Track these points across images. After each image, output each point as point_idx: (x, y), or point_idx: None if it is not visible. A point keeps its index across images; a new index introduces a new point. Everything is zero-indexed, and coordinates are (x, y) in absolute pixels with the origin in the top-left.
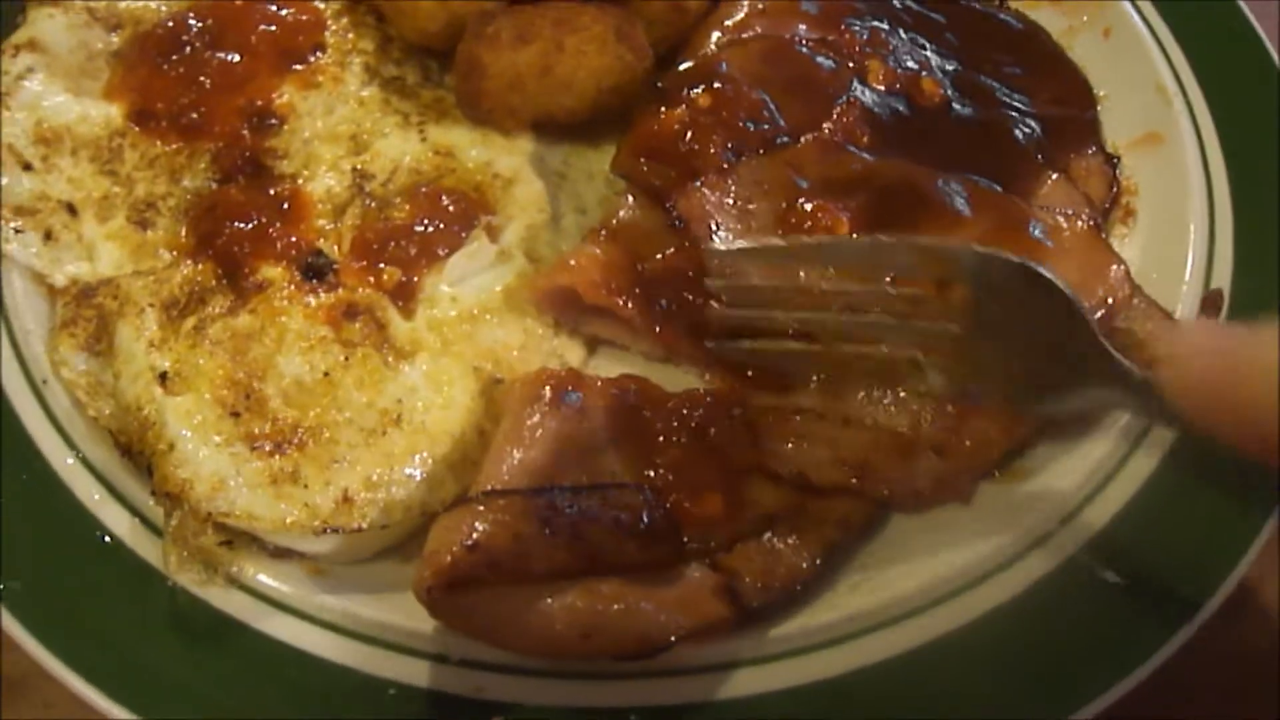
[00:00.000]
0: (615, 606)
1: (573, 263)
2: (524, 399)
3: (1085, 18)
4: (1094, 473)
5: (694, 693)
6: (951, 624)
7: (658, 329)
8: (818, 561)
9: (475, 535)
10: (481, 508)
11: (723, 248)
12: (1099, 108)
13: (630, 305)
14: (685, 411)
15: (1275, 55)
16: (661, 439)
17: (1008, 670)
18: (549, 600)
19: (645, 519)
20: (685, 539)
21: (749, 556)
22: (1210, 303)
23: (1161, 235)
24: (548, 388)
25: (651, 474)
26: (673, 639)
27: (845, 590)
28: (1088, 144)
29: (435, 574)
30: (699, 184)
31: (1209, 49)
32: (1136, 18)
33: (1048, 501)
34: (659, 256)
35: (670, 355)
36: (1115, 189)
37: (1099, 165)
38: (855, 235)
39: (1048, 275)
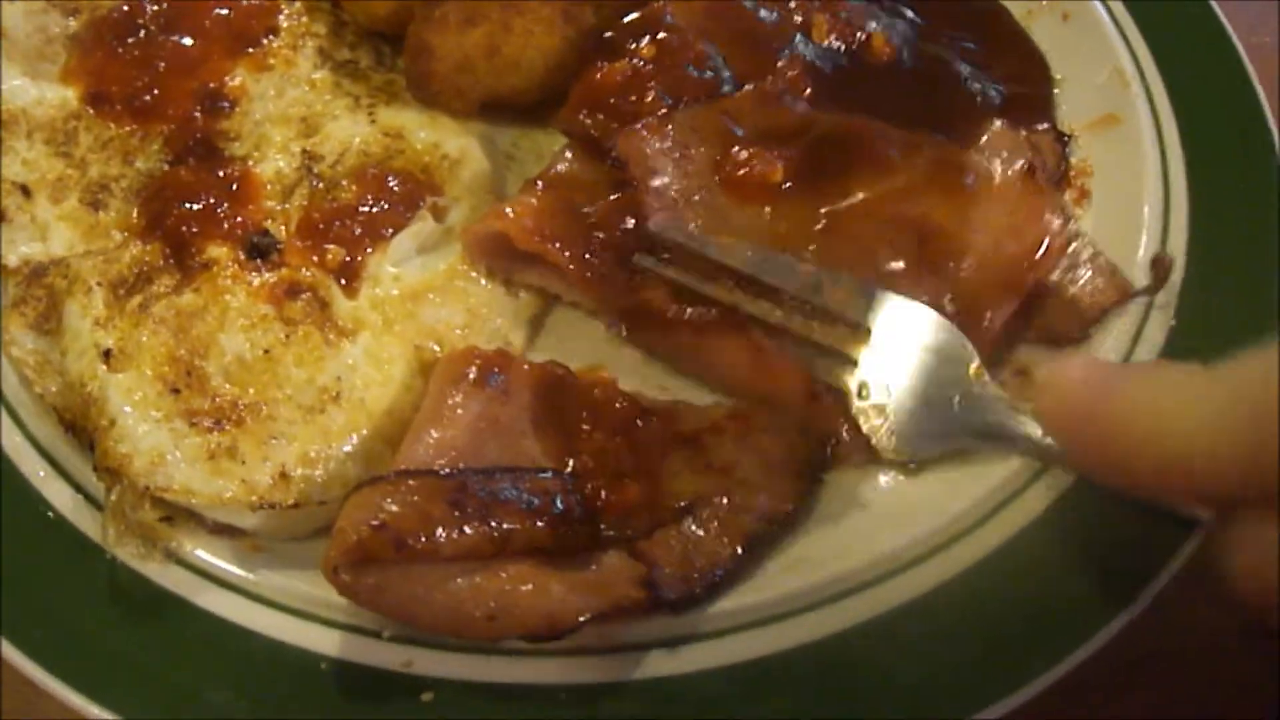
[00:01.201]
0: (523, 588)
1: (508, 210)
2: (448, 377)
3: (1044, 3)
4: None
5: (626, 670)
6: (889, 602)
7: (589, 276)
8: (739, 550)
9: (383, 514)
10: (392, 486)
11: (660, 230)
12: (1056, 90)
13: (563, 251)
14: (611, 402)
15: (1234, 38)
16: (585, 427)
17: (943, 650)
18: (457, 580)
19: (559, 504)
20: (603, 526)
21: (668, 544)
22: (1159, 264)
23: (1116, 215)
24: (473, 367)
25: (571, 461)
26: (581, 620)
27: (779, 570)
28: (1040, 120)
29: (342, 552)
30: (639, 126)
31: (1167, 32)
32: (1096, 2)
33: (987, 483)
34: (596, 206)
35: (600, 306)
36: (1064, 165)
37: (1050, 142)
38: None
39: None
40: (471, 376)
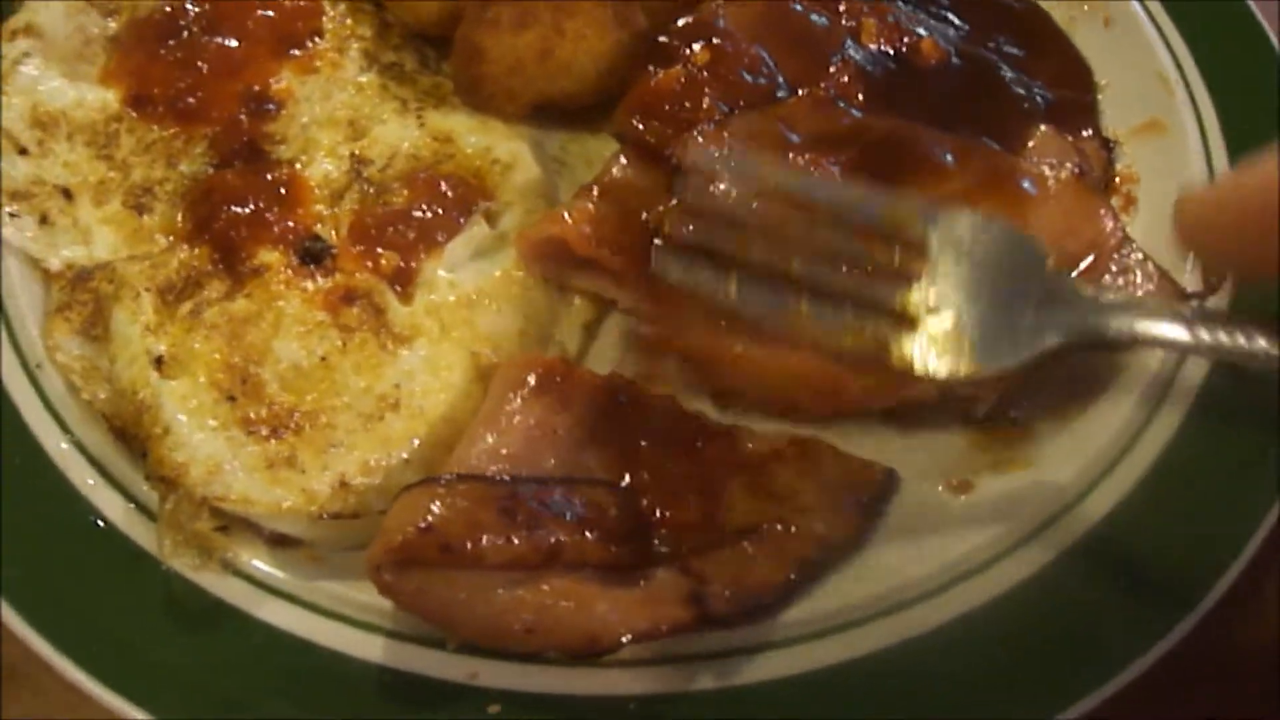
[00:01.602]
0: (565, 604)
1: (565, 215)
2: (507, 383)
3: (1086, 7)
4: (1093, 464)
5: (695, 680)
6: (948, 614)
7: (645, 283)
8: (791, 576)
9: (431, 516)
10: (443, 489)
11: (701, 146)
12: (1100, 95)
13: (618, 258)
14: (673, 419)
15: (1276, 42)
16: (644, 443)
17: (1005, 661)
18: (499, 590)
19: (612, 519)
20: (655, 542)
21: (721, 563)
22: (1208, 283)
23: (1163, 222)
24: (533, 375)
25: (628, 475)
26: (623, 640)
27: (850, 579)
28: (1084, 126)
29: (386, 551)
30: (696, 134)
31: (1210, 37)
32: (1137, 6)
33: (1046, 492)
34: (656, 209)
35: (656, 314)
36: (1110, 172)
37: (1094, 148)
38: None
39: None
40: (531, 383)
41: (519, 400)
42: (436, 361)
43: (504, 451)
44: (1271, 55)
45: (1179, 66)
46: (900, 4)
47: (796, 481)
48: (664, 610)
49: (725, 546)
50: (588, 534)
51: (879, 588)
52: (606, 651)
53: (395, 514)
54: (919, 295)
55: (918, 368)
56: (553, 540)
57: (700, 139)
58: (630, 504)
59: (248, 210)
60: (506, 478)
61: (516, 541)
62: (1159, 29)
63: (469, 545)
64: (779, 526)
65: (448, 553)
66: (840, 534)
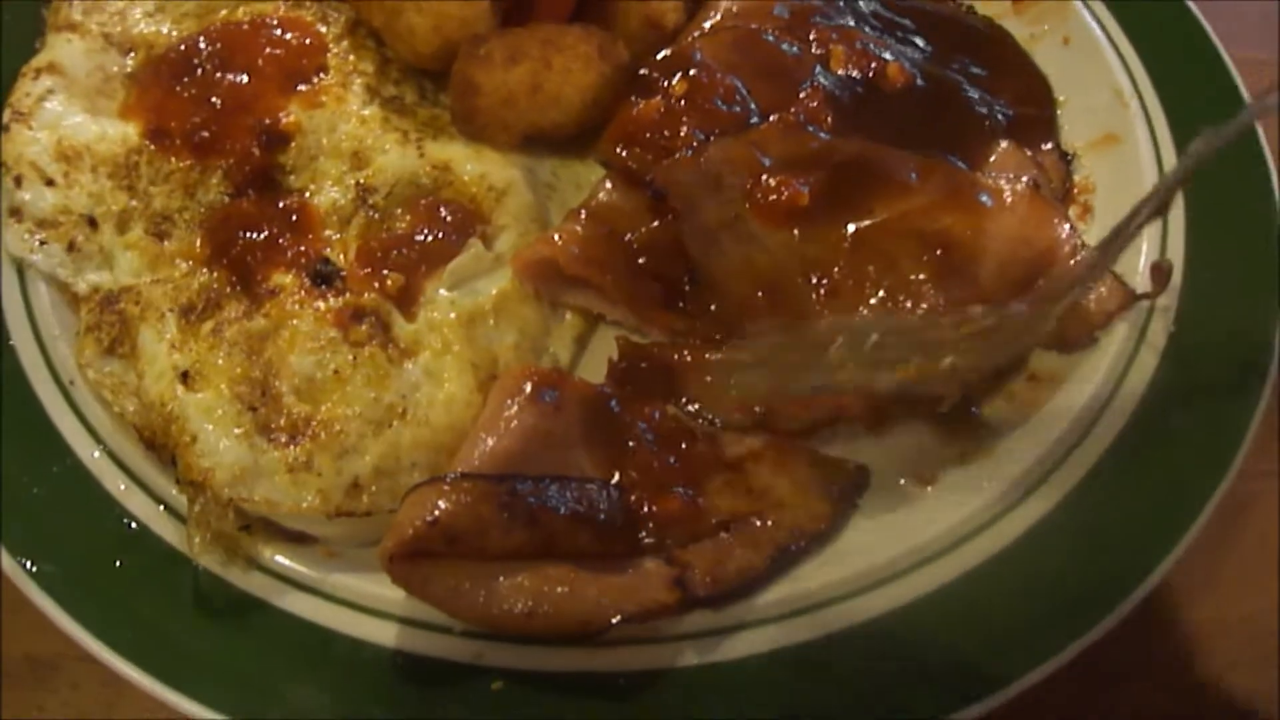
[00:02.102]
0: (560, 589)
1: (555, 237)
2: (505, 391)
3: (1046, 26)
4: (1048, 454)
5: (679, 658)
6: (910, 595)
7: (631, 298)
8: (768, 562)
9: (437, 512)
10: (448, 487)
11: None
12: (1059, 111)
13: (606, 276)
14: (659, 423)
15: (1225, 56)
16: (632, 444)
17: (958, 639)
18: (500, 578)
19: (602, 512)
20: (642, 534)
21: (702, 552)
22: (1158, 271)
23: None
24: (529, 383)
25: (618, 474)
26: (613, 621)
27: (821, 564)
28: (1044, 141)
29: (397, 543)
30: (675, 160)
31: (1163, 53)
32: (1094, 25)
33: (1004, 482)
34: (640, 231)
35: (642, 324)
36: (1069, 183)
37: (1054, 161)
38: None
39: None
40: (527, 391)
41: (516, 406)
42: (439, 374)
43: (502, 453)
44: (1220, 67)
45: (1133, 81)
46: (868, 29)
47: (773, 479)
48: (650, 594)
49: (707, 537)
50: (580, 527)
51: (846, 571)
52: (599, 632)
53: (405, 510)
54: None
55: None
56: (548, 532)
57: (680, 166)
58: (619, 500)
59: (262, 236)
60: (505, 476)
61: (515, 534)
62: (1115, 46)
63: (472, 537)
64: (756, 520)
65: (453, 544)
66: (813, 525)
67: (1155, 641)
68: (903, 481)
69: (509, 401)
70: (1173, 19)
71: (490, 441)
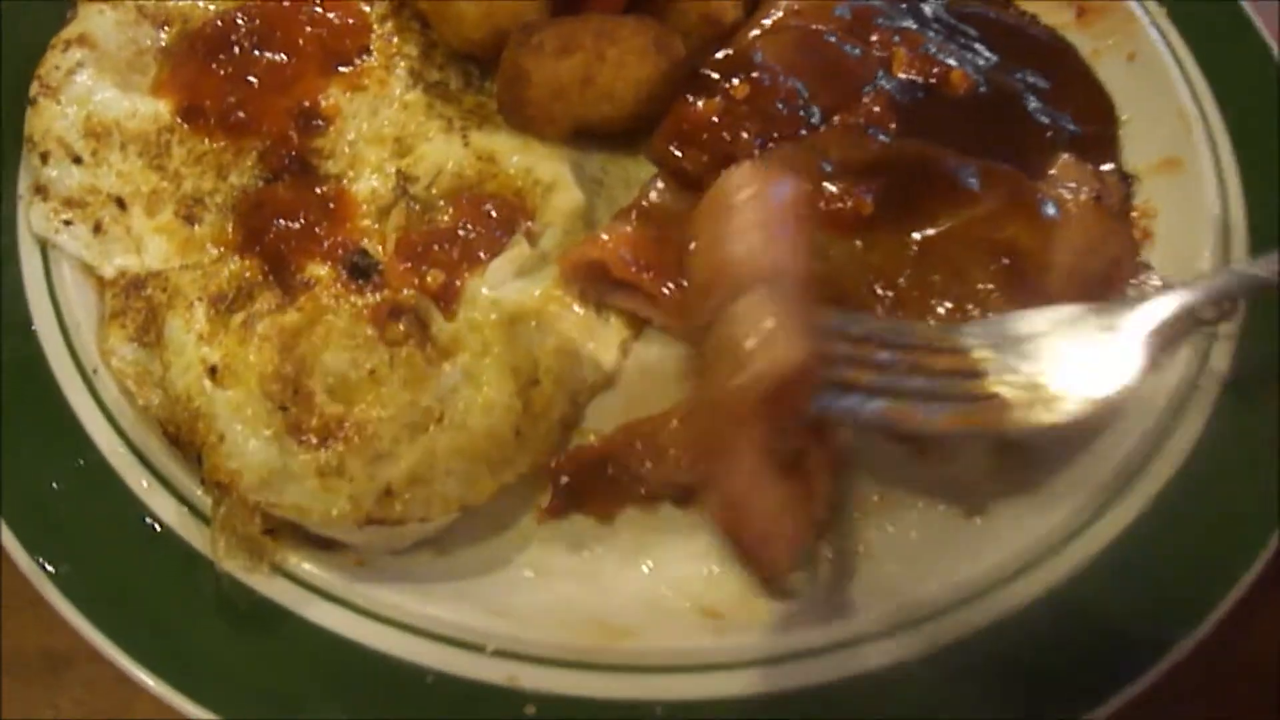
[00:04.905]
0: None
1: (604, 238)
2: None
3: (1110, 41)
4: (1100, 492)
5: (719, 688)
6: (954, 634)
7: (681, 305)
8: None
9: None
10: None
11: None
12: (1121, 130)
13: (656, 281)
14: None
15: None
16: None
17: (1009, 675)
18: None
19: None
20: None
21: None
22: (1221, 311)
23: (1177, 259)
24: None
25: None
26: None
27: (862, 595)
28: (1105, 160)
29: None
30: (736, 167)
31: (1231, 76)
32: (1161, 43)
33: (1054, 518)
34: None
35: (689, 332)
36: (1128, 205)
37: (1115, 181)
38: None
39: None
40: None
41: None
42: (478, 376)
43: None
44: None
45: (1199, 104)
46: (931, 34)
47: None
48: None
49: None
50: None
51: (889, 605)
52: None
53: None
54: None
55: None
56: None
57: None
58: None
59: (297, 225)
60: None
61: None
62: (1180, 66)
63: None
64: None
65: None
66: None
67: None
68: (952, 510)
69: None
70: (1242, 40)
71: None
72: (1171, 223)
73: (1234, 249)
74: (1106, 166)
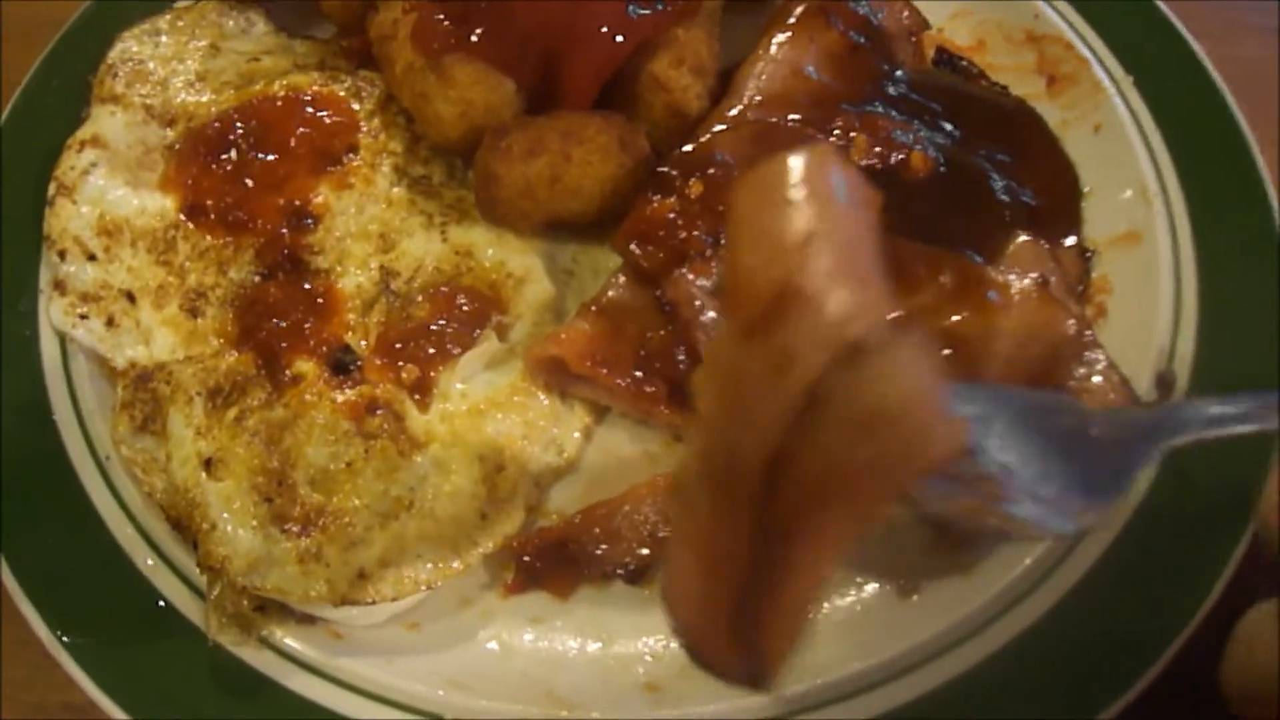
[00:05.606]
0: None
1: (563, 335)
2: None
3: (1078, 111)
4: (1032, 569)
5: None
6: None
7: (637, 397)
8: None
9: None
10: None
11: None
12: (1084, 203)
13: (612, 375)
14: None
15: (1261, 162)
16: None
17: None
18: None
19: None
20: None
21: None
22: (1163, 381)
23: (1131, 332)
24: None
25: None
26: None
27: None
28: (1066, 234)
29: None
30: (684, 270)
31: (1195, 152)
32: (1127, 116)
33: (987, 594)
34: (649, 335)
35: (648, 419)
36: (1085, 281)
37: (1073, 258)
38: None
39: None
40: None
41: None
42: (447, 465)
43: None
44: (1252, 173)
45: (1160, 178)
46: (895, 115)
47: None
48: None
49: None
50: None
51: (823, 679)
52: None
53: None
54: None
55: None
56: None
57: (689, 275)
58: None
59: (288, 323)
60: None
61: None
62: (1145, 139)
63: None
64: None
65: None
66: None
67: None
68: (888, 589)
69: None
70: (1208, 115)
71: None
72: (1127, 299)
73: (1184, 318)
74: (1069, 240)
